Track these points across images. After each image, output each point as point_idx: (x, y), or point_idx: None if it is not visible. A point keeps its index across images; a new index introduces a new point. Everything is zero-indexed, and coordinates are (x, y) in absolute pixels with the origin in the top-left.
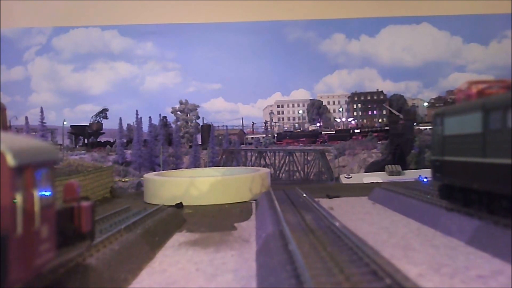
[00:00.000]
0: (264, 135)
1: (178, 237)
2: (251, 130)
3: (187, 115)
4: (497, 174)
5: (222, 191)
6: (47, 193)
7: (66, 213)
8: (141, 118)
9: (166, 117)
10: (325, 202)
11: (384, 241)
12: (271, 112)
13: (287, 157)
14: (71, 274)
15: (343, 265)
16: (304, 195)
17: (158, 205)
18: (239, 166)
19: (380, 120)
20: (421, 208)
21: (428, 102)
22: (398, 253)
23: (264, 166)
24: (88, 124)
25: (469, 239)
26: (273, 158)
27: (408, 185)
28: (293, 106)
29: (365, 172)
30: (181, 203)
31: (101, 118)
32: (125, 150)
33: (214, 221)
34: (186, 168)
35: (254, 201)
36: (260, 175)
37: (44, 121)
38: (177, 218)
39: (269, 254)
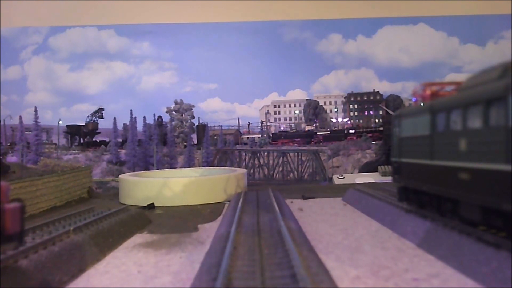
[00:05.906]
0: (260, 135)
1: (136, 239)
2: (247, 130)
3: (182, 115)
4: (442, 177)
5: (195, 192)
6: None
7: None
8: (135, 117)
9: (161, 116)
10: (298, 203)
11: (338, 243)
12: (268, 112)
13: (281, 157)
14: None
15: (268, 268)
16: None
17: (131, 206)
18: (233, 166)
19: (376, 120)
20: (384, 209)
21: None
22: (345, 255)
23: (258, 167)
24: (84, 124)
25: (420, 241)
26: (267, 159)
27: (381, 186)
28: (290, 106)
29: (359, 172)
30: (153, 204)
31: (97, 118)
32: (119, 150)
33: (179, 222)
34: (181, 168)
35: (228, 202)
36: (236, 175)
37: (38, 120)
38: (141, 219)
39: (210, 256)
